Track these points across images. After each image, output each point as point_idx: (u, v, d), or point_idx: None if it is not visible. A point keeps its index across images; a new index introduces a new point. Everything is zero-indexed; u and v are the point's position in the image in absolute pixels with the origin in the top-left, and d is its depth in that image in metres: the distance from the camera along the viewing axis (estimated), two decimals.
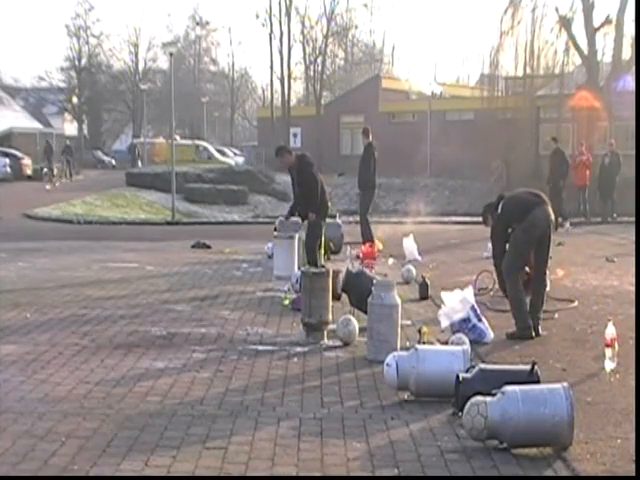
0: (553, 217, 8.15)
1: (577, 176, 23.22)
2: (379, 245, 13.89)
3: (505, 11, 34.34)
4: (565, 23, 31.67)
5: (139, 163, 47.76)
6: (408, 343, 7.16)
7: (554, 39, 32.63)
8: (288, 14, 55.09)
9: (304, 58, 58.88)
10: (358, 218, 14.86)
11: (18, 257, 13.91)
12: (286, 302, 9.45)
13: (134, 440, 4.95)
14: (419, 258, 13.39)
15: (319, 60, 58.01)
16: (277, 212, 26.49)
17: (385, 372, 5.93)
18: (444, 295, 7.98)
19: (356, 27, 65.24)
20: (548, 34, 32.93)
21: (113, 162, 59.42)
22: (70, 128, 68.62)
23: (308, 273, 7.88)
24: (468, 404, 4.90)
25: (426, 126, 43.91)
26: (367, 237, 14.12)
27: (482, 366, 5.61)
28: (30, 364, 6.72)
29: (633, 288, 10.34)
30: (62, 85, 68.53)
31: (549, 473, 4.57)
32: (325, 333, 7.67)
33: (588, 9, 30.89)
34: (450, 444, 4.93)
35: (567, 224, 19.37)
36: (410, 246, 13.60)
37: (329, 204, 11.27)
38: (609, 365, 6.59)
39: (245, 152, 55.78)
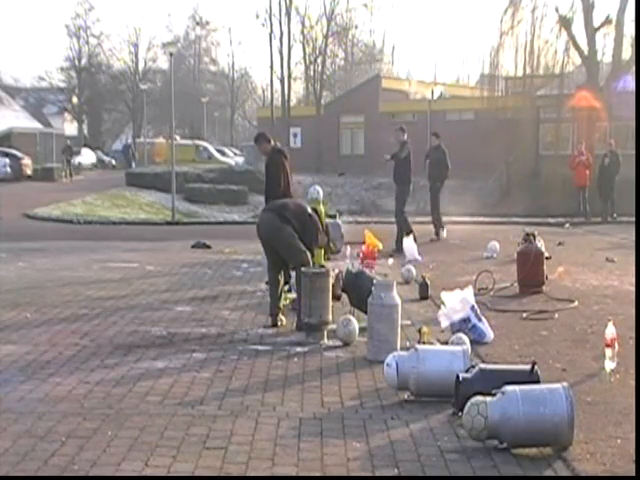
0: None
1: (577, 176, 23.27)
2: (379, 245, 13.87)
3: (505, 11, 34.37)
4: (565, 23, 31.66)
5: (133, 164, 47.69)
6: (408, 343, 7.16)
7: (554, 39, 32.64)
8: (288, 14, 55.09)
9: (304, 58, 58.91)
10: (395, 212, 15.53)
11: (18, 257, 13.91)
12: (286, 302, 9.43)
13: (134, 440, 4.95)
14: (419, 258, 13.39)
15: (319, 60, 58.00)
16: None
17: (385, 372, 5.93)
18: (444, 295, 7.98)
19: (356, 27, 65.21)
20: (548, 34, 32.95)
21: (113, 162, 59.41)
22: (70, 128, 68.60)
23: (308, 273, 7.88)
24: (468, 404, 4.90)
25: (426, 126, 43.90)
26: (407, 229, 14.60)
27: (482, 366, 5.60)
28: (30, 364, 6.72)
29: (633, 288, 10.35)
30: (62, 85, 68.51)
31: (549, 473, 4.57)
32: (325, 333, 7.67)
33: (588, 9, 30.89)
34: (450, 444, 4.93)
35: (444, 232, 17.09)
36: (410, 246, 13.61)
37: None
38: (609, 365, 6.58)
39: (245, 152, 55.61)
